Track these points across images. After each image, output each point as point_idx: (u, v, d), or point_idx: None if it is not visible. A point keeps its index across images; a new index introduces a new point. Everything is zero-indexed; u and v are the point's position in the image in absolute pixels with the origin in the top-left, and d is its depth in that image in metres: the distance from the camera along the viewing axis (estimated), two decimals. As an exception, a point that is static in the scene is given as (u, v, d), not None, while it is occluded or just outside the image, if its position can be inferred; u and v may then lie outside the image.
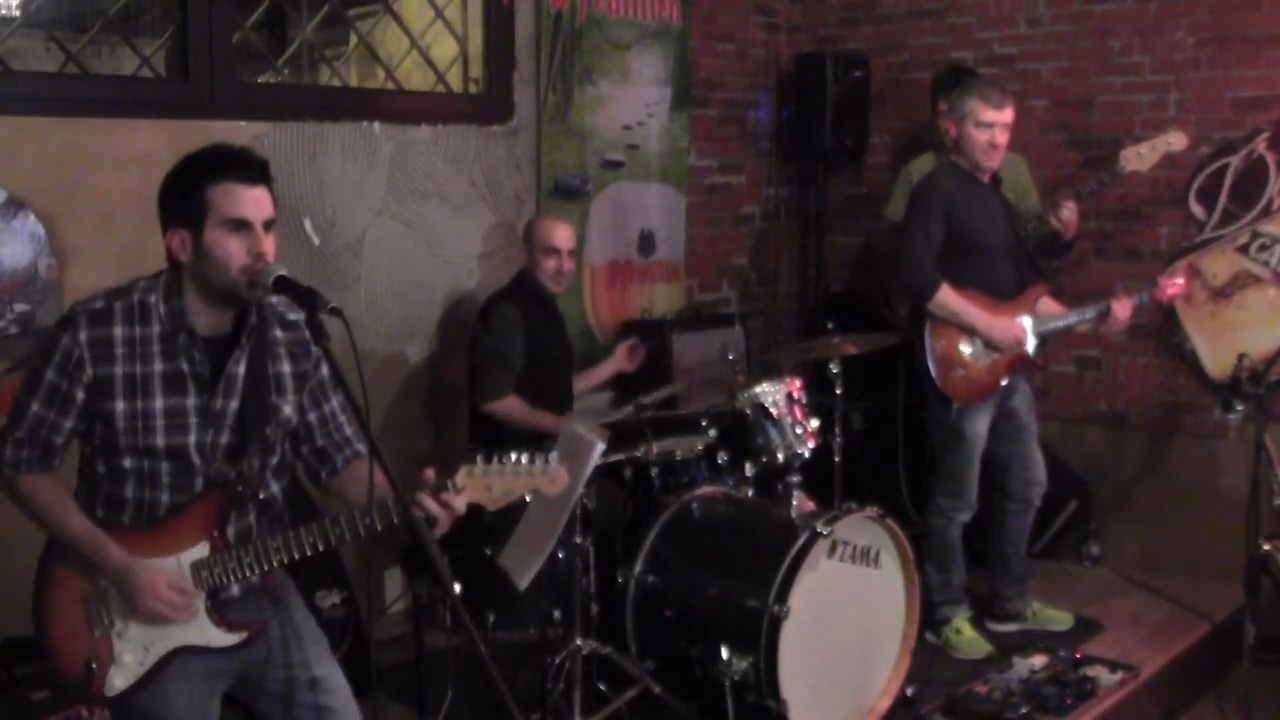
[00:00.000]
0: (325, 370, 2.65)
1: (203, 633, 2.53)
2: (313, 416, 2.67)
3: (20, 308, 3.72)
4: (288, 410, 2.61)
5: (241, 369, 2.53)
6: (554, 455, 2.53)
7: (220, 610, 2.55)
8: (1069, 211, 4.62)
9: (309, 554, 2.50)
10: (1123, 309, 4.38)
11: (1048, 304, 4.51)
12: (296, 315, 2.59)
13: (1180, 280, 4.49)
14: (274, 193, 2.51)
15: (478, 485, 2.48)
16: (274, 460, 2.62)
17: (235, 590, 2.59)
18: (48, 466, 2.53)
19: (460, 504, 2.47)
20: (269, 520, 2.63)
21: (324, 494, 2.81)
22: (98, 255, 3.82)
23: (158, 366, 2.47)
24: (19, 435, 2.51)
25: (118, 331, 2.46)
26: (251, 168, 2.47)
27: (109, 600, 2.51)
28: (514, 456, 2.49)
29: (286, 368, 2.61)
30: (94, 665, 2.50)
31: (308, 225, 4.42)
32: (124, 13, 4.20)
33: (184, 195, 2.44)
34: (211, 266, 2.44)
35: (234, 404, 2.52)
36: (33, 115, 3.75)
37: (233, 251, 2.42)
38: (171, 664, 2.52)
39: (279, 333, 2.60)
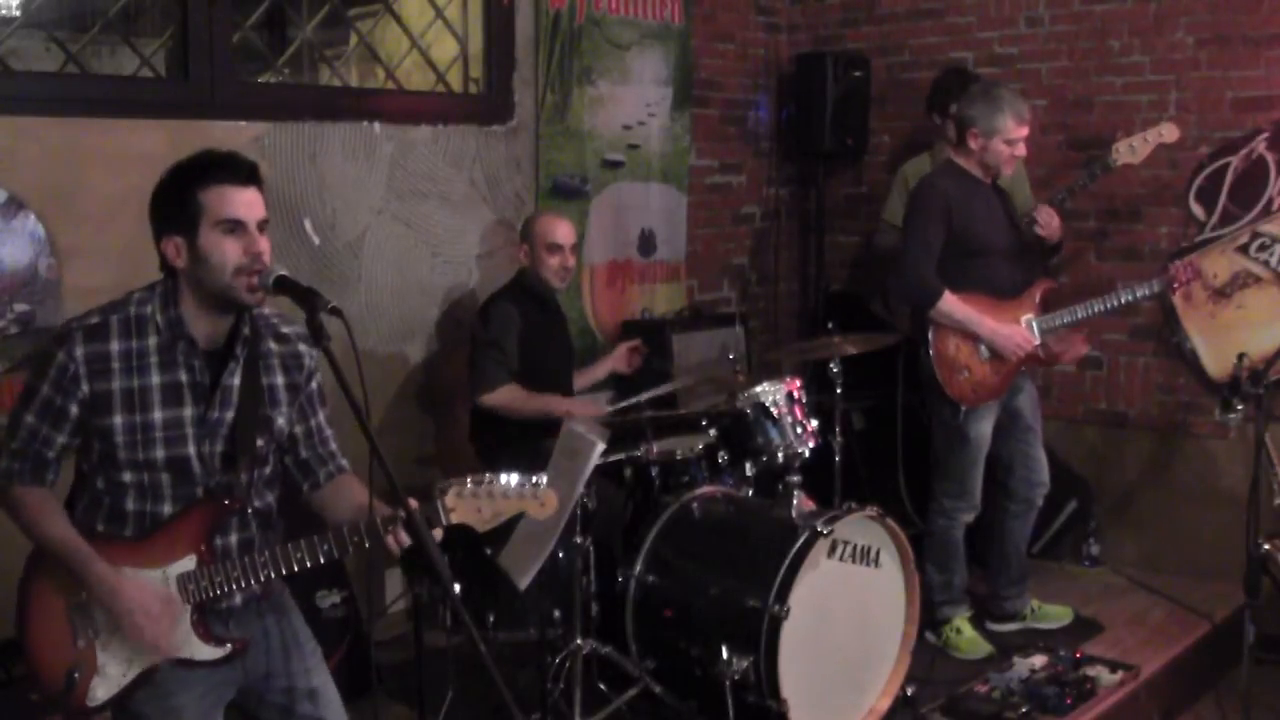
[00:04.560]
0: (315, 385, 2.66)
1: (187, 645, 2.52)
2: (299, 429, 2.68)
3: (20, 308, 3.72)
4: (280, 422, 2.62)
5: (237, 380, 2.54)
6: (544, 477, 2.53)
7: (206, 624, 2.53)
8: (1047, 216, 4.64)
9: (295, 570, 2.50)
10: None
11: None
12: (290, 329, 2.63)
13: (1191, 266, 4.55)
14: (265, 195, 2.51)
15: (467, 507, 2.50)
16: (266, 471, 2.62)
17: (238, 600, 2.59)
18: (39, 480, 2.52)
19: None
20: (264, 531, 2.63)
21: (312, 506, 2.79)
22: (98, 255, 3.81)
23: (155, 379, 2.48)
24: (13, 447, 2.51)
25: (114, 346, 2.46)
26: (241, 170, 2.47)
27: (93, 611, 2.50)
28: (504, 479, 2.50)
29: (280, 380, 2.62)
30: (76, 675, 2.48)
31: (308, 225, 4.42)
32: (124, 13, 4.20)
33: (177, 201, 2.45)
34: (208, 270, 2.44)
35: (230, 415, 2.53)
36: (33, 115, 3.75)
37: (229, 253, 2.43)
38: (161, 675, 2.51)
39: (272, 345, 2.61)
